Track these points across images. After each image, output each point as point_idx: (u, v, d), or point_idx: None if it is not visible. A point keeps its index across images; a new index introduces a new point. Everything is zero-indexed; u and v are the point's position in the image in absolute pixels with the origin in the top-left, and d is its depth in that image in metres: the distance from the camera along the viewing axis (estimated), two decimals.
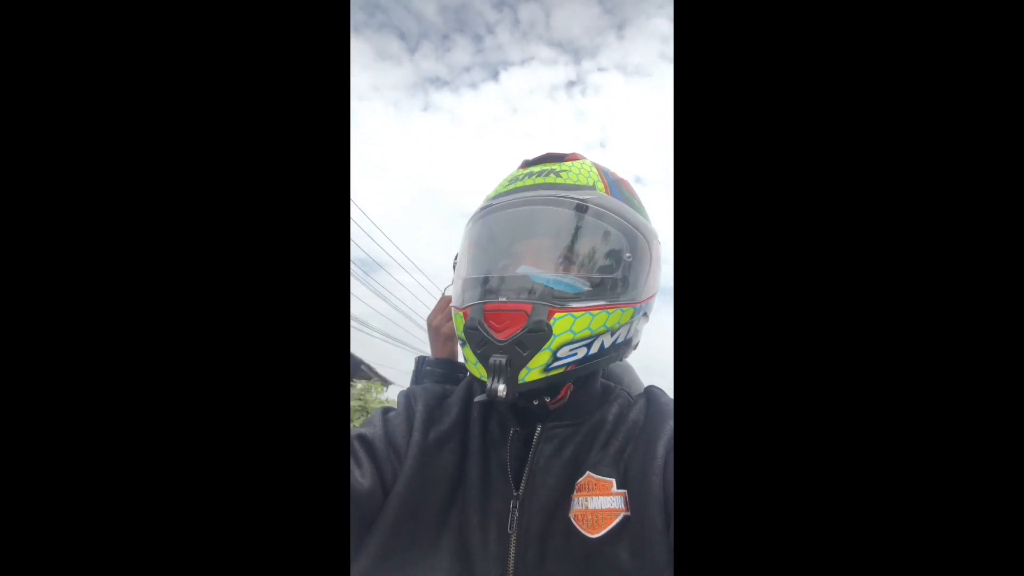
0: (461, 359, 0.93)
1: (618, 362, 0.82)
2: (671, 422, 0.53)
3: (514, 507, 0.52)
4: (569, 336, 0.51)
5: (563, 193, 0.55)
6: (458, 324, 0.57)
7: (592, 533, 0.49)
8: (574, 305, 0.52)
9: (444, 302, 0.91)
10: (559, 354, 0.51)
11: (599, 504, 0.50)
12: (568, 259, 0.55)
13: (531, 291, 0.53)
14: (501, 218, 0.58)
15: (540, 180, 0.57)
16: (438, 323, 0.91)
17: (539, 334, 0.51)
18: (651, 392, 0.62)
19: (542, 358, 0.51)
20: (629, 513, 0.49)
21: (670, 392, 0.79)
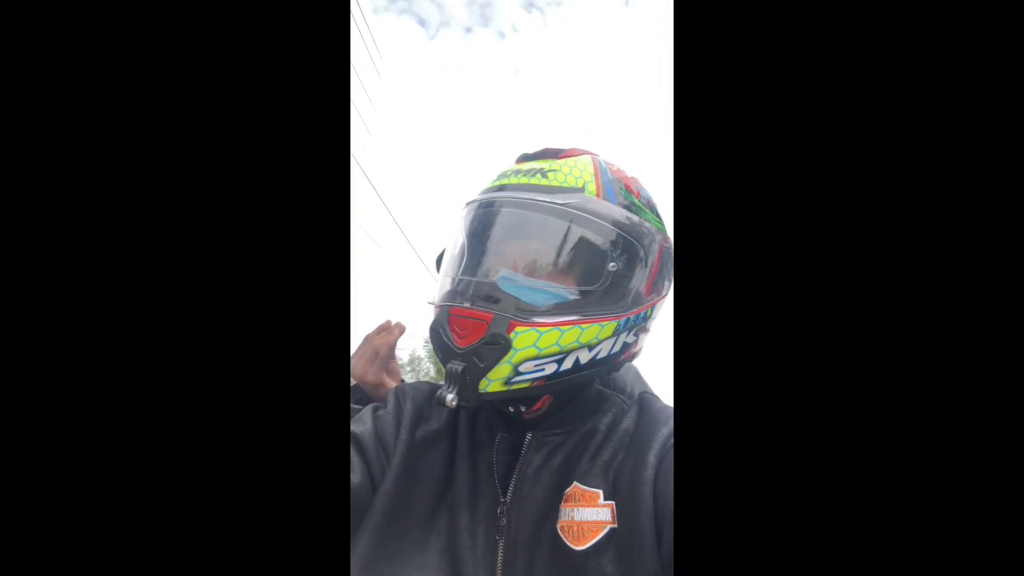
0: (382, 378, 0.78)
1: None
2: (664, 429, 0.52)
3: (501, 513, 0.52)
4: (533, 351, 0.49)
5: (541, 197, 0.52)
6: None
7: (577, 545, 0.47)
8: (539, 320, 0.49)
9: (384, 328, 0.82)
10: (521, 368, 0.49)
11: (584, 516, 0.49)
12: (543, 267, 0.52)
13: (496, 300, 0.51)
14: (480, 216, 0.56)
15: (524, 180, 0.55)
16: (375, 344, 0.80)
17: (495, 347, 0.49)
18: (644, 399, 0.60)
19: (502, 371, 0.49)
20: (616, 525, 0.47)
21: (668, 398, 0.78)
